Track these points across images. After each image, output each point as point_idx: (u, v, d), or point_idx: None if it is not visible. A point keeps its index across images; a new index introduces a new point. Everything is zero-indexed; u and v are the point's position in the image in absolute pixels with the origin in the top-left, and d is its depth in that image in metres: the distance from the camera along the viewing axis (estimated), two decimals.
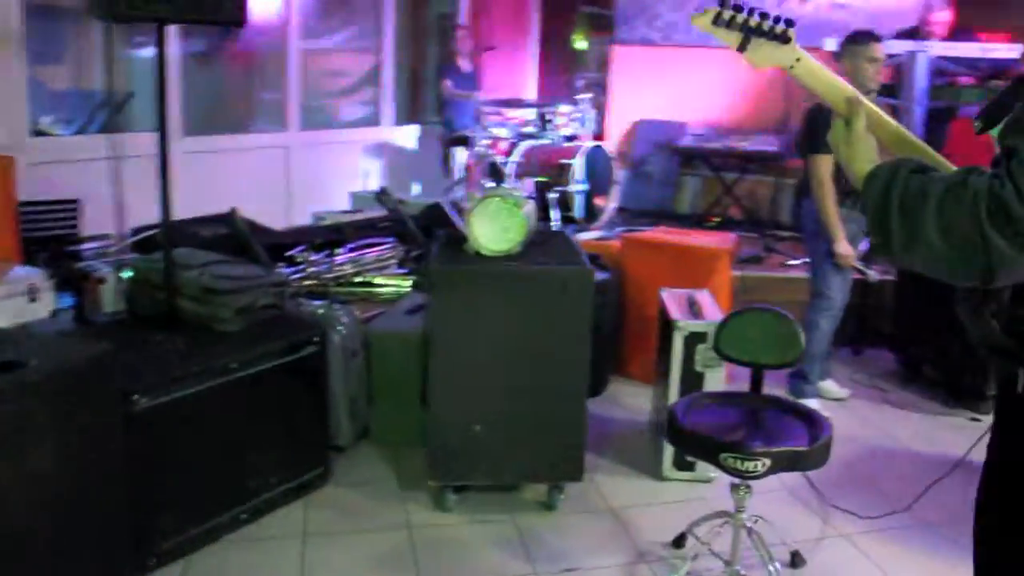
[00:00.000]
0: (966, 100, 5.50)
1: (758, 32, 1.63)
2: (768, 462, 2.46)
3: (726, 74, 7.08)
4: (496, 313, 3.15)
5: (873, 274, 4.51)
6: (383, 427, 3.86)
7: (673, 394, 3.54)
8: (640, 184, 7.24)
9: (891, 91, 5.43)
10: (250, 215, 4.66)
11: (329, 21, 7.35)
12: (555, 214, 5.97)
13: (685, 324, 3.56)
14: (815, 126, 4.12)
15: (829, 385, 4.62)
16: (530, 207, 3.37)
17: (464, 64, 7.51)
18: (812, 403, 4.08)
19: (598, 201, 6.38)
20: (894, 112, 4.54)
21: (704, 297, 3.90)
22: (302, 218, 6.03)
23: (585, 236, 5.83)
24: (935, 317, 4.48)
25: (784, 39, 1.63)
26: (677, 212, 7.17)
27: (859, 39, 4.24)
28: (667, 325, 3.68)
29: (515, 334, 3.17)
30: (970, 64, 5.57)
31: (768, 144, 6.72)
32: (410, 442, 3.71)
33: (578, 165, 6.05)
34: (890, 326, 5.16)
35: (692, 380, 3.54)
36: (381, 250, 4.90)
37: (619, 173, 6.51)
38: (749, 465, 2.46)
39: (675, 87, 7.21)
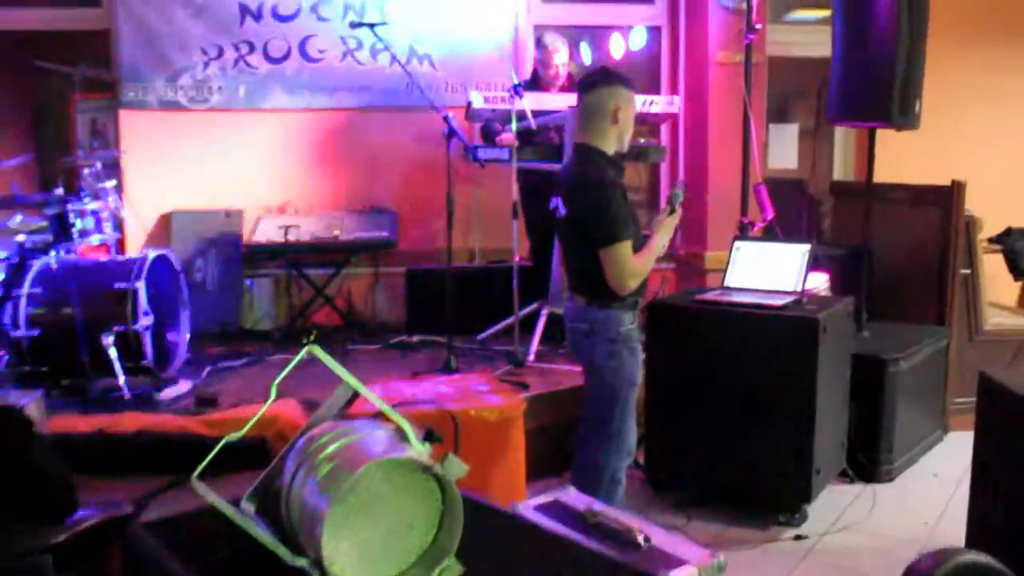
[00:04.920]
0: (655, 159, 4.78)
1: None
2: None
3: (291, 142, 5.50)
4: None
5: None
6: None
7: None
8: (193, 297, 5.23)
9: (555, 153, 4.45)
10: None
11: None
12: (119, 367, 3.84)
13: None
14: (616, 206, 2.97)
15: None
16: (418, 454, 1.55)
17: None
18: None
19: (171, 336, 4.35)
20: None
21: None
22: None
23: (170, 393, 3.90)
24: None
25: None
26: (246, 328, 5.34)
27: (629, 82, 3.19)
28: None
29: None
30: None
31: (365, 229, 5.29)
32: None
33: (141, 288, 3.97)
34: None
35: None
36: None
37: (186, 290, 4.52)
38: None
39: (221, 163, 5.40)
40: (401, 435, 1.43)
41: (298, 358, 1.52)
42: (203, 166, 5.40)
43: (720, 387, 3.75)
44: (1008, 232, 5.72)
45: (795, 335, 3.61)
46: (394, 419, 1.43)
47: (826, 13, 6.48)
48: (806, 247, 3.98)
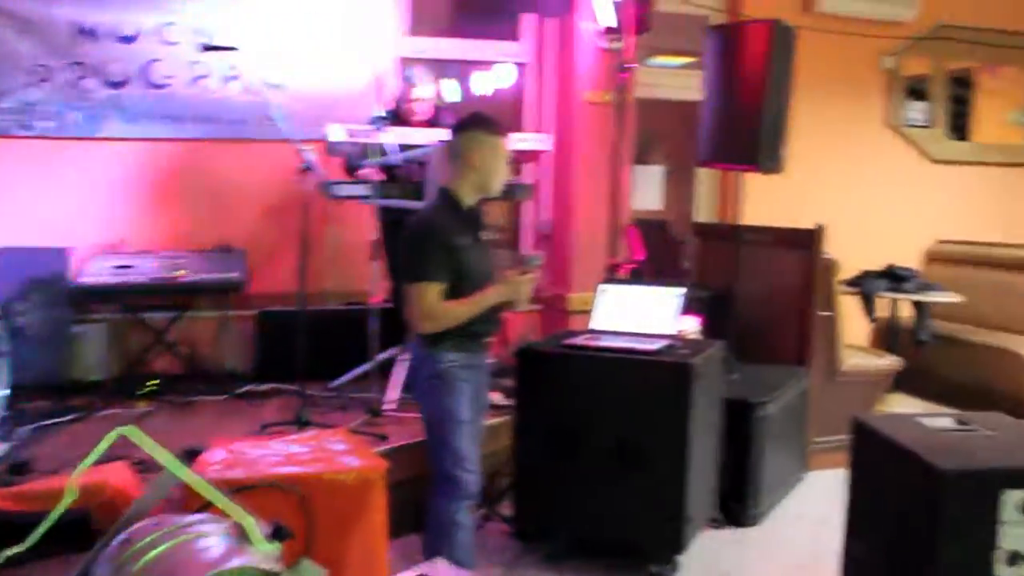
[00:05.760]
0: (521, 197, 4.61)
1: None
2: None
3: (130, 175, 5.07)
4: None
5: None
6: None
7: None
8: (13, 345, 4.68)
9: (417, 191, 4.23)
10: None
11: None
12: None
13: None
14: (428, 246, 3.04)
15: None
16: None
17: None
18: None
19: None
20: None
21: None
22: None
23: None
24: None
25: None
26: (75, 379, 4.82)
27: (493, 127, 3.15)
28: None
29: None
30: None
31: (211, 269, 4.90)
32: None
33: None
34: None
35: None
36: None
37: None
38: None
39: (49, 197, 4.91)
40: (242, 532, 1.16)
41: (105, 444, 1.21)
42: (29, 199, 4.89)
43: (591, 434, 3.60)
44: (864, 275, 5.88)
45: (669, 380, 3.50)
46: (233, 514, 1.16)
47: (688, 60, 6.64)
48: (681, 290, 3.90)
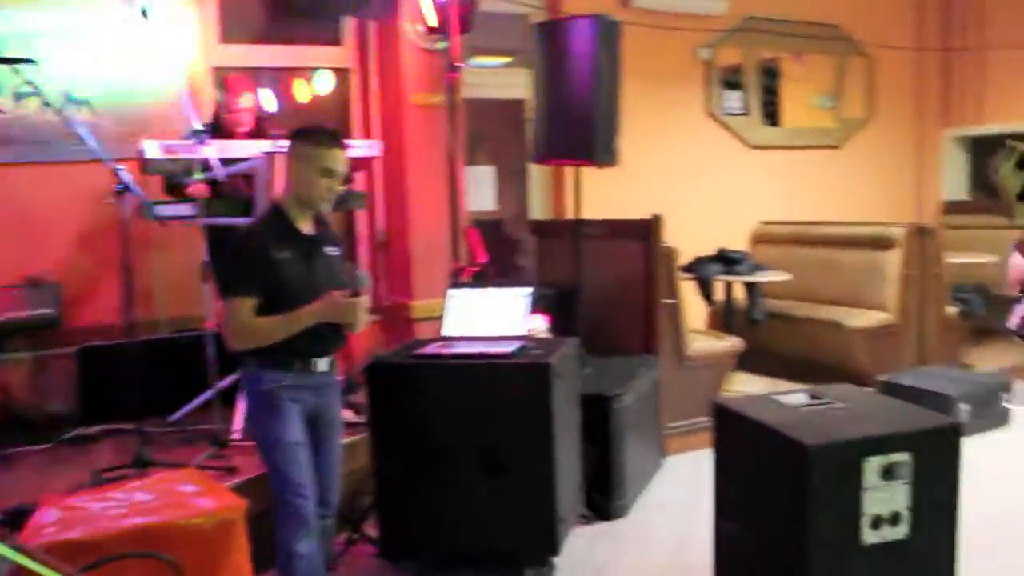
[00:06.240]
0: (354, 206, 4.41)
1: None
2: None
3: None
4: None
5: None
6: None
7: None
8: None
9: (246, 207, 3.99)
10: None
11: None
12: None
13: None
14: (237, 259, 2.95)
15: None
16: None
17: None
18: None
19: None
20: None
21: None
22: None
23: None
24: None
25: None
26: None
27: (311, 138, 2.99)
28: None
29: None
30: None
31: (20, 307, 4.45)
32: None
33: None
34: None
35: None
36: None
37: None
38: None
39: None
40: None
41: None
42: None
43: (453, 445, 3.49)
44: (697, 261, 6.05)
45: (528, 382, 3.43)
46: None
47: (504, 60, 6.64)
48: (527, 290, 3.85)
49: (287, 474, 2.88)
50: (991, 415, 5.27)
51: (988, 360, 6.38)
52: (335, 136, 3.02)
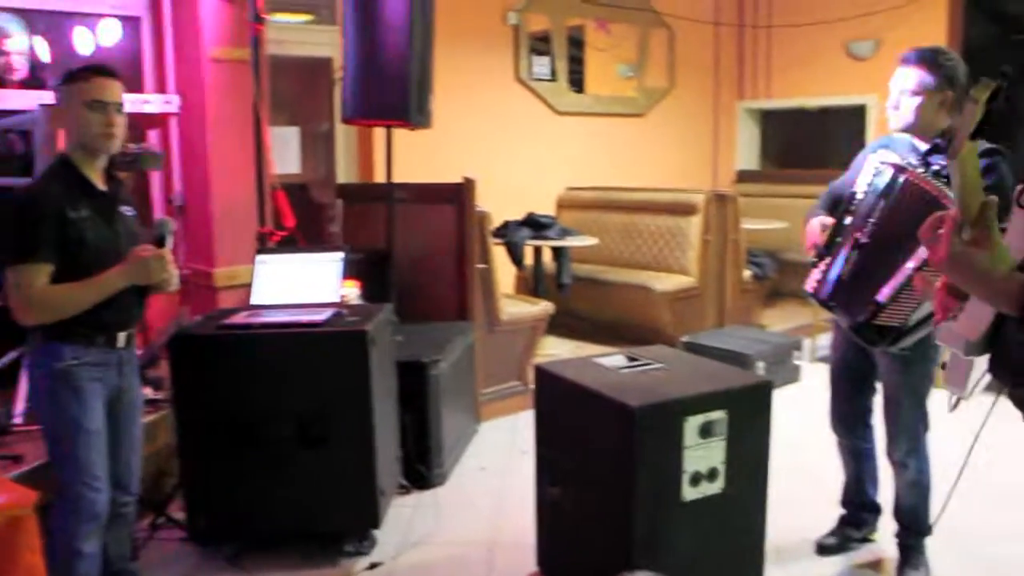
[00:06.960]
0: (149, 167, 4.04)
1: None
2: None
3: None
4: None
5: None
6: None
7: None
8: None
9: (25, 166, 3.59)
10: None
11: None
12: None
13: None
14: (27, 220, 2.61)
15: None
16: None
17: None
18: None
19: None
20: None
21: None
22: None
23: None
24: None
25: None
26: None
27: (73, 74, 2.73)
28: None
29: None
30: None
31: None
32: None
33: None
34: None
35: None
36: None
37: None
38: None
39: None
40: None
41: None
42: None
43: (266, 419, 3.32)
44: (506, 225, 6.07)
45: (344, 351, 3.31)
46: None
47: (307, 17, 6.36)
48: (339, 255, 3.71)
49: (85, 464, 2.64)
50: (784, 372, 5.64)
51: (780, 321, 6.82)
52: (101, 68, 2.73)
